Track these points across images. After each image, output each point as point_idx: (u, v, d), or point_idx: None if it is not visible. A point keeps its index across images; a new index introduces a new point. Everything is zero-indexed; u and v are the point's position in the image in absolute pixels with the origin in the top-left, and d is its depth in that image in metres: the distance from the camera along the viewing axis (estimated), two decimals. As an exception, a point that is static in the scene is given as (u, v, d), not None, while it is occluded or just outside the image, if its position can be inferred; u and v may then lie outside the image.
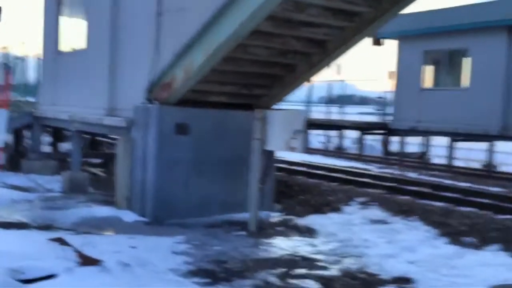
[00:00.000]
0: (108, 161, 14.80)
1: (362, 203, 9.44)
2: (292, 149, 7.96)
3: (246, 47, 7.71)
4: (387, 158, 18.98)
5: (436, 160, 19.81)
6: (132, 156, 8.89)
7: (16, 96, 16.37)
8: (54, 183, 11.90)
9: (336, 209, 9.17)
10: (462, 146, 18.89)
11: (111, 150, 19.28)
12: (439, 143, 20.87)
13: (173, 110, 8.44)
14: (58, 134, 14.75)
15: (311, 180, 11.60)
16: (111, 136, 14.08)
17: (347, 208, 9.20)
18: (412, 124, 18.64)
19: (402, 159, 18.96)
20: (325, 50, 8.05)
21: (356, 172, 12.68)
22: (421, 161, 19.03)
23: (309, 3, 6.92)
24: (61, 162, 13.52)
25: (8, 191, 9.99)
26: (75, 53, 11.40)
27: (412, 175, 13.33)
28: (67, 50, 11.90)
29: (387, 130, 19.76)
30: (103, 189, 11.66)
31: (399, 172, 13.84)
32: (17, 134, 14.99)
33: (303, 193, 10.30)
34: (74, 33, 11.70)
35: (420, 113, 18.32)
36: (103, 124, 9.72)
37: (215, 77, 8.20)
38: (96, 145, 17.88)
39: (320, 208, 9.26)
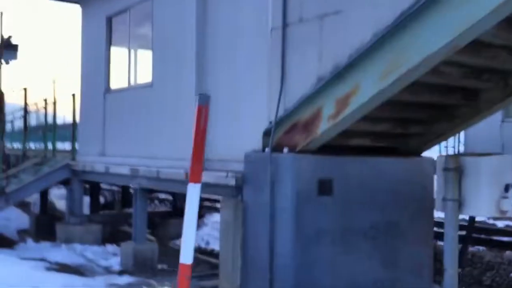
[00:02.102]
0: (153, 221, 12.23)
1: None
2: (502, 213, 5.48)
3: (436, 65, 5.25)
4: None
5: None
6: (245, 227, 6.33)
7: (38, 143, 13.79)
8: (108, 256, 9.26)
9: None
10: None
11: (153, 207, 16.66)
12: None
13: (313, 161, 5.92)
14: (95, 190, 12.12)
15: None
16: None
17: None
18: None
19: None
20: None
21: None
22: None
23: None
24: (104, 226, 10.90)
25: (60, 276, 7.34)
26: (135, 89, 8.90)
27: None
28: (121, 86, 9.40)
29: None
30: (170, 262, 9.03)
31: None
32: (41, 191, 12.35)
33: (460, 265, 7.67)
34: (129, 66, 9.24)
35: None
36: (192, 181, 7.15)
37: (374, 111, 5.73)
38: (129, 199, 15.23)
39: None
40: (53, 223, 11.15)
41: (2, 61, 20.80)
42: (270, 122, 6.26)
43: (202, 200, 12.90)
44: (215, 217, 12.17)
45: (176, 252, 10.05)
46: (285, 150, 6.00)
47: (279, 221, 5.90)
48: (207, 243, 10.50)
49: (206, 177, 6.92)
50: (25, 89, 13.93)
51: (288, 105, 6.04)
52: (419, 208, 6.87)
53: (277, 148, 6.08)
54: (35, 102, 13.90)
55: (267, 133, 6.27)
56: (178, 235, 11.35)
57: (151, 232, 12.07)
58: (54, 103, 11.66)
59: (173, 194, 12.09)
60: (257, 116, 6.43)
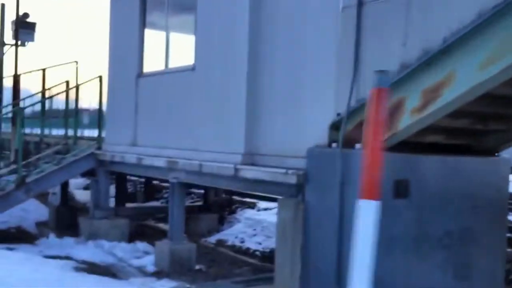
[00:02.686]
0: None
1: None
2: None
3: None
4: None
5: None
6: (307, 231, 5.66)
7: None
8: (139, 255, 8.60)
9: None
10: None
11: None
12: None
13: (390, 159, 5.17)
14: (121, 182, 11.43)
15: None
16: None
17: None
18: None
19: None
20: None
21: None
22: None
23: None
24: (131, 220, 10.23)
25: (92, 278, 6.68)
26: (173, 73, 8.20)
27: None
28: (156, 70, 8.71)
29: None
30: (206, 262, 8.38)
31: None
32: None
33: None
34: (167, 47, 8.53)
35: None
36: (242, 177, 6.49)
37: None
38: (152, 191, 14.63)
39: None
40: (75, 215, 10.53)
41: (19, 42, 20.08)
42: (338, 114, 5.59)
43: (231, 194, 12.29)
44: (247, 213, 11.52)
45: (211, 251, 9.44)
46: (357, 146, 5.32)
47: (349, 226, 5.22)
48: (242, 241, 9.84)
49: (260, 173, 6.29)
50: (43, 70, 13.23)
51: (361, 95, 5.36)
52: (494, 213, 6.20)
53: (346, 144, 5.41)
54: (55, 85, 13.14)
55: (334, 126, 5.60)
56: (210, 232, 10.77)
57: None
58: (76, 87, 10.96)
59: (205, 188, 11.38)
60: (322, 107, 5.75)
